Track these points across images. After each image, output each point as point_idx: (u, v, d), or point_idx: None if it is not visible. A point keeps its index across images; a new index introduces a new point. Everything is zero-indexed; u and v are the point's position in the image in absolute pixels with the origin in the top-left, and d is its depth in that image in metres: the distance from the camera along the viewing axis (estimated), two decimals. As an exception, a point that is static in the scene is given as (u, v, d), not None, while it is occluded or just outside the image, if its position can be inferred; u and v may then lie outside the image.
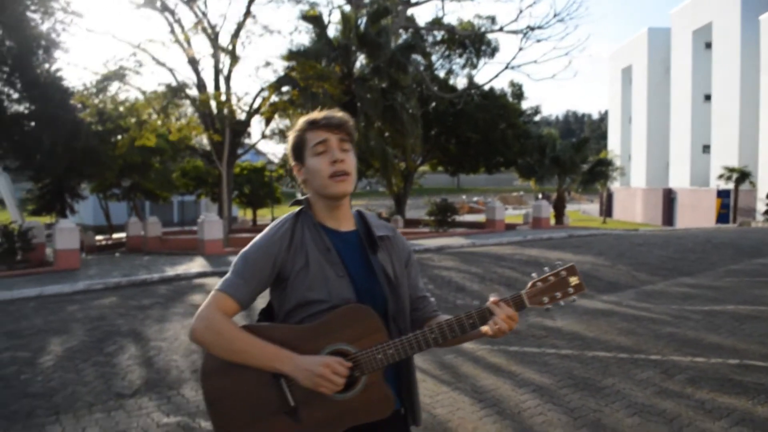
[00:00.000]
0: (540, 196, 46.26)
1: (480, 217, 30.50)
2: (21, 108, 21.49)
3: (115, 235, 28.43)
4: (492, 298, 1.84)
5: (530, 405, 4.92)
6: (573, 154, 27.56)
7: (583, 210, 55.68)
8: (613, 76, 54.04)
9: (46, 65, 21.58)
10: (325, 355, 1.76)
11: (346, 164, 1.88)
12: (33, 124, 20.73)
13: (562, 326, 7.70)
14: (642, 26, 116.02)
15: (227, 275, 1.88)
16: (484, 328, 1.83)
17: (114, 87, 20.87)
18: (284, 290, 1.87)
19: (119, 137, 23.61)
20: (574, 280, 1.87)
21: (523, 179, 36.08)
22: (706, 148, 38.35)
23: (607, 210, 47.97)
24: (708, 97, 38.23)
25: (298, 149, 1.94)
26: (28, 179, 30.09)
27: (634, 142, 48.78)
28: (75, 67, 34.00)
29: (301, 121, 1.94)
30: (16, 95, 21.24)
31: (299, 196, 2.05)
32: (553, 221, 26.04)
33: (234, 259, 1.92)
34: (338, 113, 1.93)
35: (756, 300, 8.82)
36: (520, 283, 10.54)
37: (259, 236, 1.91)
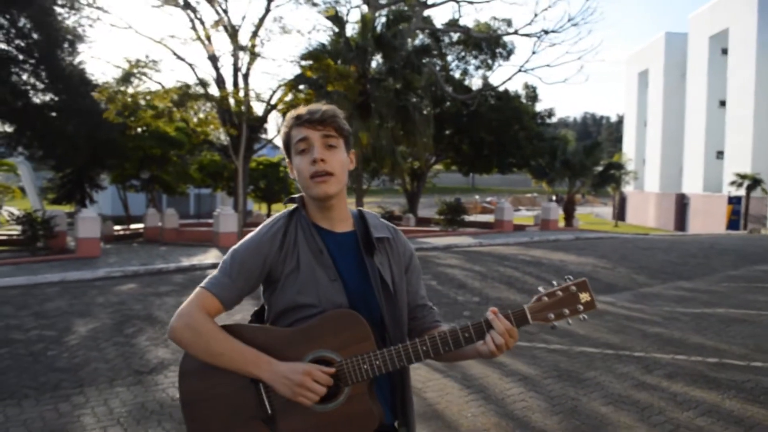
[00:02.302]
0: (554, 198, 46.45)
1: (492, 218, 30.82)
2: (46, 99, 22.13)
3: (133, 226, 29.04)
4: (492, 310, 1.71)
5: (514, 392, 5.32)
6: (583, 157, 27.82)
7: (596, 213, 55.78)
8: (629, 80, 54.06)
9: (71, 58, 22.22)
10: (308, 362, 1.66)
11: (327, 164, 1.74)
12: (56, 114, 21.34)
13: (556, 323, 8.08)
14: (661, 30, 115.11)
15: (214, 273, 1.80)
16: (482, 346, 1.71)
17: (135, 82, 21.45)
18: (274, 292, 1.79)
19: (139, 130, 24.20)
20: (584, 297, 1.74)
21: (536, 181, 36.34)
22: (720, 154, 38.39)
23: (619, 214, 48.06)
24: (723, 103, 38.26)
25: (287, 147, 1.83)
26: (49, 168, 30.84)
27: (648, 146, 48.82)
28: (98, 60, 34.97)
29: (288, 116, 1.83)
30: (41, 86, 21.89)
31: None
32: (562, 223, 26.33)
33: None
34: (324, 107, 1.79)
35: (747, 304, 9.13)
36: (520, 282, 10.93)
37: (250, 234, 1.82)
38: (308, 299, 1.73)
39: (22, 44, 20.82)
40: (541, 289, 1.77)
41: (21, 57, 21.10)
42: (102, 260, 14.05)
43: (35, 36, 20.68)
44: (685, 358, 6.33)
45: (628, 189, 46.94)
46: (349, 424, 1.68)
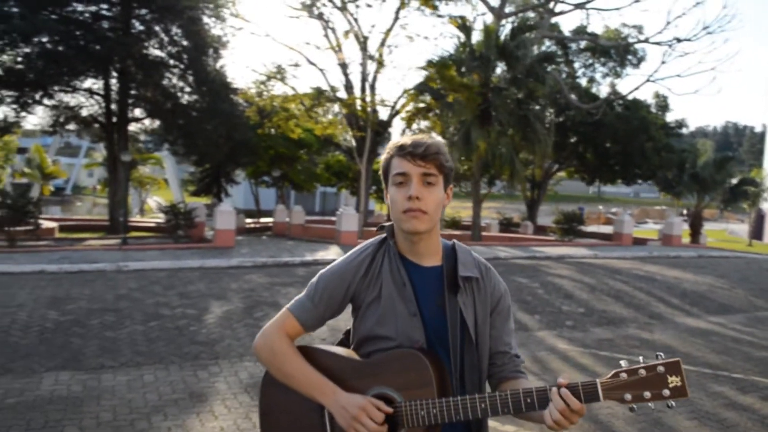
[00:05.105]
0: (684, 212, 44.24)
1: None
2: (191, 100, 24.16)
3: (263, 220, 30.89)
4: (559, 381, 1.57)
5: (601, 399, 5.63)
6: (714, 171, 26.49)
7: (730, 230, 52.45)
8: (776, 89, 50.36)
9: (214, 64, 24.13)
10: (370, 397, 1.67)
11: (422, 202, 1.70)
12: (199, 115, 23.22)
13: (658, 339, 8.21)
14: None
15: (300, 295, 1.86)
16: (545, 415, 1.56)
17: (271, 85, 23.11)
18: (356, 319, 1.82)
19: (272, 131, 25.92)
20: (674, 381, 1.51)
21: (664, 194, 34.90)
22: None
23: (756, 232, 44.95)
24: None
25: (385, 174, 1.81)
26: (191, 163, 33.48)
27: (793, 161, 45.32)
28: (237, 65, 37.70)
29: (391, 143, 1.80)
30: (188, 89, 23.96)
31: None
32: (687, 239, 25.30)
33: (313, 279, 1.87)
34: (428, 141, 1.74)
35: None
36: (628, 296, 10.96)
37: (339, 259, 1.86)
38: (386, 331, 1.74)
39: (173, 51, 22.91)
40: (622, 363, 1.57)
41: (172, 62, 23.21)
42: (235, 251, 15.33)
43: (185, 43, 22.68)
44: (787, 383, 6.33)
45: (767, 206, 43.83)
46: None
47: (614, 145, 29.52)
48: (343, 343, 1.95)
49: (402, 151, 1.73)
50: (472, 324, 1.75)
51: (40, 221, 18.08)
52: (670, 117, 33.14)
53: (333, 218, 27.07)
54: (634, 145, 28.69)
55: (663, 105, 32.14)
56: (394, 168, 1.75)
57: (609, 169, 31.65)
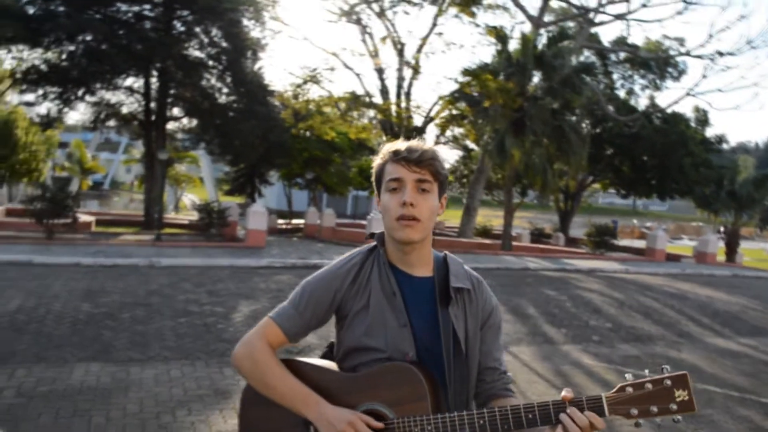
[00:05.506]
0: (721, 229, 43.34)
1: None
2: (228, 100, 24.51)
3: (294, 221, 31.14)
4: (564, 394, 1.53)
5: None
6: (752, 189, 25.96)
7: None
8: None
9: (252, 66, 24.45)
10: (360, 412, 1.59)
11: (416, 209, 1.65)
12: (236, 115, 23.55)
13: (686, 358, 8.09)
14: None
15: (284, 303, 1.80)
16: None
17: (307, 88, 23.37)
18: (342, 329, 1.75)
19: (308, 134, 26.17)
20: (681, 395, 1.49)
21: (701, 210, 34.28)
22: None
23: (796, 252, 43.86)
24: None
25: (378, 179, 1.76)
26: (226, 163, 33.94)
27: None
28: (275, 67, 38.27)
29: (385, 148, 1.75)
30: (225, 90, 24.32)
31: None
32: (723, 258, 24.83)
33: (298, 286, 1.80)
34: (424, 147, 1.70)
35: None
36: (658, 313, 10.81)
37: (325, 267, 1.80)
38: (375, 342, 1.67)
39: (212, 52, 23.29)
40: (628, 376, 1.54)
41: (211, 63, 23.61)
42: (266, 251, 15.49)
43: (224, 45, 23.02)
44: (817, 409, 6.18)
45: (809, 226, 42.68)
46: None
47: (651, 158, 29.14)
48: (327, 355, 1.87)
49: (396, 156, 1.69)
50: (462, 337, 1.70)
51: (78, 215, 18.50)
52: (710, 132, 32.57)
53: (364, 221, 27.14)
54: (672, 160, 28.28)
55: (703, 119, 31.60)
56: (387, 174, 1.71)
57: (645, 182, 31.23)
